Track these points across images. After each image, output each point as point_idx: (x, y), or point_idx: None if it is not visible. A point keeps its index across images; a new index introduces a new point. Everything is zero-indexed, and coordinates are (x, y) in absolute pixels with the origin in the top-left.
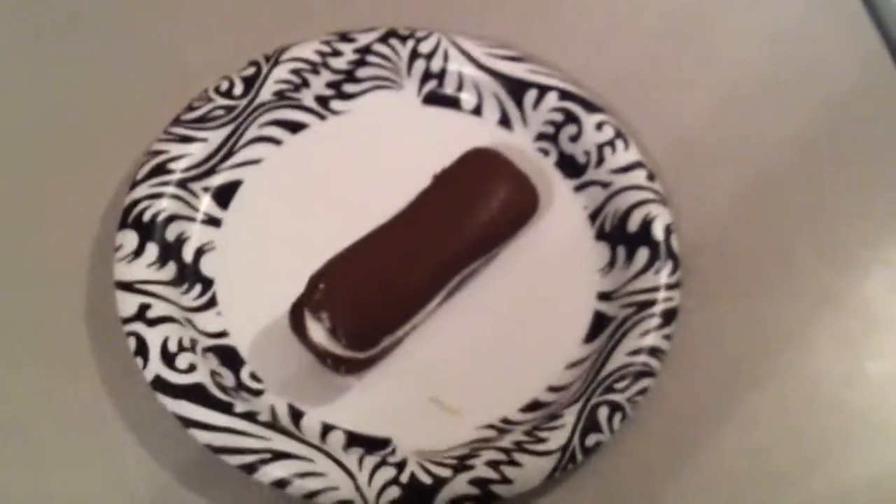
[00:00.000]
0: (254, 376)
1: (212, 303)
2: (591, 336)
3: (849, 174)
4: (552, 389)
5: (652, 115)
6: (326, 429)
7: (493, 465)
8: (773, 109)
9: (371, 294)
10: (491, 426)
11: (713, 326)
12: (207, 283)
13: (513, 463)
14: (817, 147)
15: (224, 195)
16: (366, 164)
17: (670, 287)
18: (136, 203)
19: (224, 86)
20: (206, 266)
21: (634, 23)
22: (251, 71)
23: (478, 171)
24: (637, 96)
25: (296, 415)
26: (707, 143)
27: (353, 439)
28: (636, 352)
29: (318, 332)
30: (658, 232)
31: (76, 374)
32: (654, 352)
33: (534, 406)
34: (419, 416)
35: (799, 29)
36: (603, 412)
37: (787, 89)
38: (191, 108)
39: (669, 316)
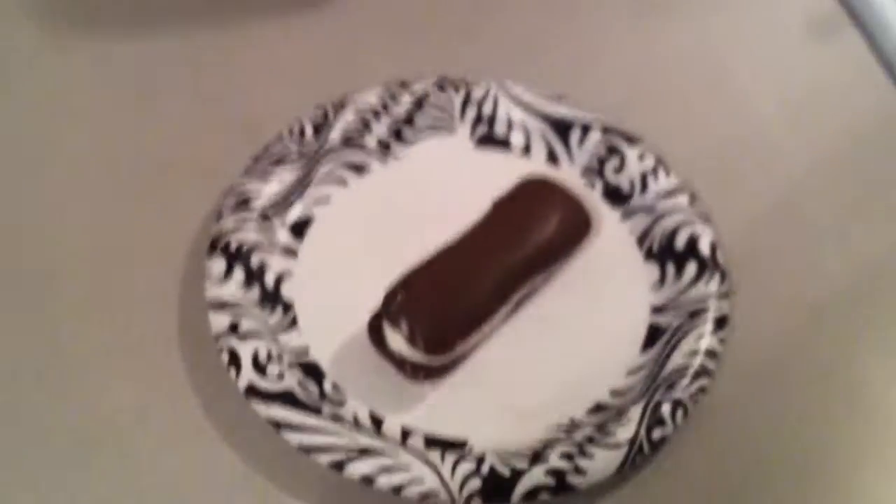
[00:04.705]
0: (335, 387)
1: (293, 323)
2: (648, 344)
3: (873, 190)
4: (615, 393)
5: (686, 147)
6: (406, 433)
7: (567, 457)
8: (795, 139)
9: (445, 302)
10: (560, 426)
11: (760, 335)
12: (288, 307)
13: (585, 454)
14: (839, 168)
15: (299, 228)
16: (424, 202)
17: (721, 296)
18: (223, 233)
19: (296, 129)
20: (286, 291)
21: (666, 65)
22: (320, 116)
23: (534, 194)
24: (671, 129)
25: (376, 420)
26: (737, 169)
27: (432, 441)
28: (693, 353)
29: (396, 340)
30: (704, 248)
31: (170, 389)
32: (710, 354)
33: (599, 408)
34: (492, 419)
35: (809, 65)
36: (666, 408)
37: (806, 120)
38: (267, 149)
39: (722, 322)
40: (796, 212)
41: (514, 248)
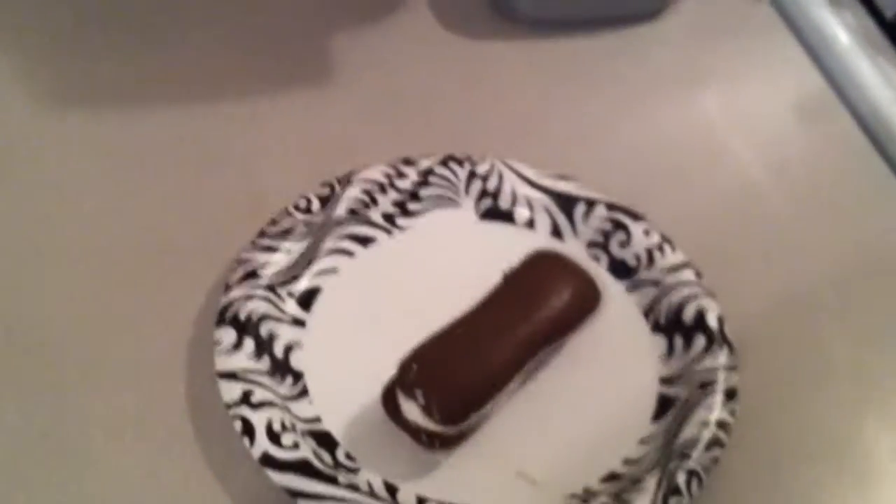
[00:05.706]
0: (349, 456)
1: (304, 393)
2: (659, 414)
3: (870, 259)
4: (628, 462)
5: (684, 227)
6: (420, 501)
7: None
8: (792, 212)
9: (459, 372)
10: (574, 495)
11: (768, 409)
12: (298, 376)
13: None
14: (836, 240)
15: (306, 299)
16: (429, 273)
17: (729, 368)
18: (231, 303)
19: (303, 203)
20: (295, 361)
21: (660, 146)
22: (326, 191)
23: (544, 267)
24: (670, 204)
25: (391, 489)
26: (738, 250)
27: None
28: (704, 424)
29: (412, 410)
30: (712, 321)
31: (181, 460)
32: (721, 425)
33: (612, 476)
34: (506, 488)
35: (801, 140)
36: (681, 477)
37: (801, 191)
38: (274, 223)
39: (731, 393)
40: (795, 285)
41: (526, 321)
